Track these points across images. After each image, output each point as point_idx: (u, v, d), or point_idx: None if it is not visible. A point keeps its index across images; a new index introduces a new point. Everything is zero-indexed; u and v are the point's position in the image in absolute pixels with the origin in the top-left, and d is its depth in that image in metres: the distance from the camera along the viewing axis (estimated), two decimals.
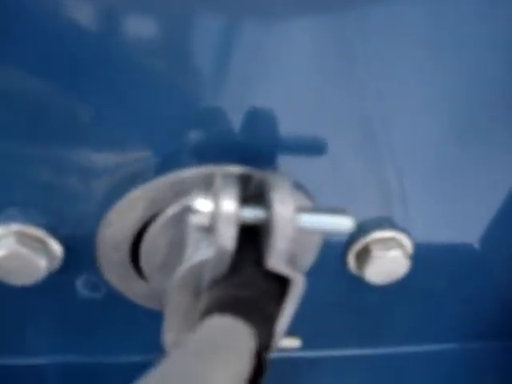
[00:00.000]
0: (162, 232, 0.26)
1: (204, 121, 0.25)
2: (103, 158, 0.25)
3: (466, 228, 0.33)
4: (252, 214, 0.22)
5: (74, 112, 0.24)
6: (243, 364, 0.21)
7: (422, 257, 0.31)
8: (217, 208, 0.22)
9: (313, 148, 0.26)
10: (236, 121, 0.25)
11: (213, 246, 0.22)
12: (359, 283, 0.32)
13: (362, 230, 0.29)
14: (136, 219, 0.26)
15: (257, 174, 0.25)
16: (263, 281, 0.23)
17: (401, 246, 0.28)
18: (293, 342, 0.30)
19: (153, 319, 0.31)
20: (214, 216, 0.22)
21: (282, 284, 0.24)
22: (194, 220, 0.22)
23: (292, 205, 0.22)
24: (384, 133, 0.27)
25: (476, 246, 0.33)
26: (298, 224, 0.23)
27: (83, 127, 0.24)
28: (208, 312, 0.22)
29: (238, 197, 0.22)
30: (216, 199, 0.22)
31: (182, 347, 0.21)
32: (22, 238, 0.25)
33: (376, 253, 0.28)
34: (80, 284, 0.30)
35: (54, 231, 0.26)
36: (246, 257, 0.23)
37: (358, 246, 0.29)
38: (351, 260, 0.30)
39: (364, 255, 0.29)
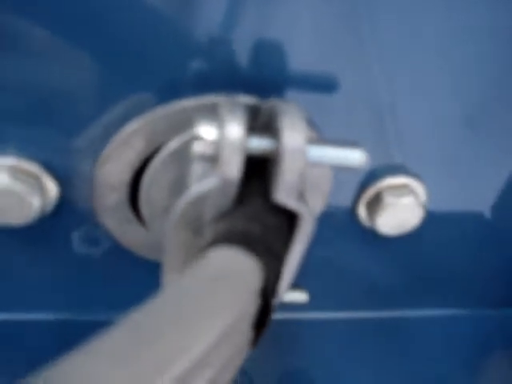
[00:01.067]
0: (163, 170, 0.25)
1: (209, 50, 0.23)
2: (101, 88, 0.24)
3: (478, 193, 0.32)
4: (259, 143, 0.21)
5: (71, 38, 0.22)
6: (248, 300, 0.20)
7: (433, 215, 0.30)
8: (222, 134, 0.20)
9: (323, 84, 0.25)
10: (242, 51, 0.24)
11: (215, 175, 0.21)
12: (368, 241, 0.30)
13: (373, 176, 0.27)
14: (134, 155, 0.24)
15: (265, 104, 0.23)
16: (271, 216, 0.22)
17: (414, 193, 0.27)
18: (300, 296, 0.29)
19: (149, 273, 0.29)
20: (219, 144, 0.20)
21: (290, 221, 0.22)
22: (198, 148, 0.21)
23: (302, 133, 0.20)
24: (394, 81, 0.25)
25: (487, 211, 0.32)
26: (308, 156, 0.21)
27: (81, 54, 0.23)
28: (212, 244, 0.21)
29: (245, 124, 0.20)
30: (221, 125, 0.20)
31: (184, 276, 0.19)
32: (15, 173, 0.24)
33: (388, 200, 0.27)
34: (74, 230, 0.28)
35: (49, 167, 0.25)
36: (253, 190, 0.22)
37: (369, 194, 0.27)
38: (362, 210, 0.28)
39: (375, 203, 0.27)
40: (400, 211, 0.27)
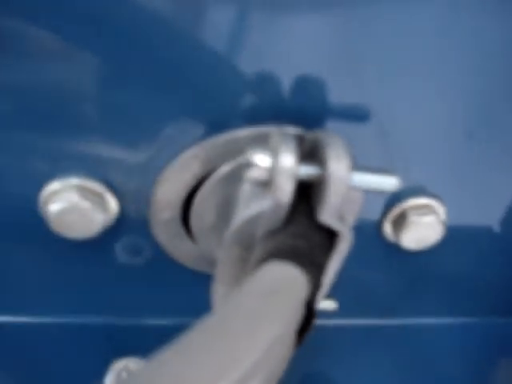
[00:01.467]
0: (213, 191, 0.27)
1: (257, 85, 0.26)
2: (161, 116, 0.27)
3: (489, 206, 0.35)
4: (308, 170, 0.24)
5: (133, 71, 0.25)
6: (296, 311, 0.23)
7: (451, 230, 0.32)
8: (276, 163, 0.23)
9: (357, 115, 0.28)
10: (286, 86, 0.26)
11: (269, 199, 0.24)
12: (391, 254, 0.33)
13: (397, 197, 0.30)
14: (190, 178, 0.27)
15: (309, 134, 0.26)
16: (315, 234, 0.25)
17: (435, 212, 0.30)
18: (330, 305, 0.32)
19: (192, 284, 0.32)
20: (273, 170, 0.23)
21: (330, 238, 0.25)
22: (253, 174, 0.24)
23: (346, 163, 0.23)
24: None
25: (496, 224, 0.35)
26: (349, 182, 0.24)
27: (144, 85, 0.26)
28: (264, 260, 0.24)
29: (296, 153, 0.23)
30: (275, 154, 0.23)
31: (240, 289, 0.22)
32: (82, 191, 0.27)
33: (412, 218, 0.30)
34: (126, 244, 0.31)
35: (111, 186, 0.27)
36: (299, 210, 0.25)
37: (394, 213, 0.30)
38: (387, 227, 0.31)
39: (400, 221, 0.30)
40: (422, 229, 0.30)
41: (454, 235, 0.33)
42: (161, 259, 0.31)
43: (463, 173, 0.30)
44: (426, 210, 0.30)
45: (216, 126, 0.27)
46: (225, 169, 0.27)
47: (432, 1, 0.25)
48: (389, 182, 0.25)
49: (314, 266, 0.24)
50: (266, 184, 0.24)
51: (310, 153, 0.25)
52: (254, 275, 0.23)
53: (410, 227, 0.30)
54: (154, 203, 0.28)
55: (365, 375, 0.39)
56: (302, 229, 0.25)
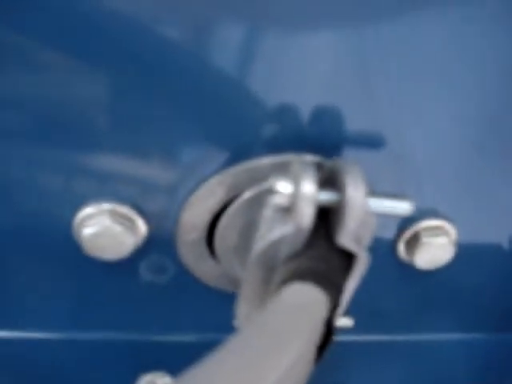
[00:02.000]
0: (237, 215, 0.29)
1: (275, 116, 0.28)
2: (186, 150, 0.28)
3: (498, 224, 0.36)
4: (327, 196, 0.25)
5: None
6: (317, 329, 0.24)
7: (462, 248, 0.34)
8: (297, 189, 0.25)
9: (372, 141, 0.29)
10: (302, 115, 0.28)
11: (291, 224, 0.25)
12: (404, 273, 0.35)
13: (411, 219, 0.32)
14: (214, 203, 0.29)
15: (327, 162, 0.28)
16: (333, 256, 0.26)
17: (447, 233, 0.31)
18: (347, 322, 0.33)
19: (216, 302, 0.34)
20: (294, 197, 0.25)
21: (348, 259, 0.27)
22: (275, 200, 0.25)
23: (363, 189, 0.25)
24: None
25: (505, 241, 0.36)
26: (366, 207, 0.26)
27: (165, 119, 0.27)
28: (286, 281, 0.25)
29: (317, 181, 0.25)
30: (297, 182, 0.25)
31: (264, 309, 0.24)
32: (113, 215, 0.28)
33: (425, 239, 0.31)
34: (152, 264, 0.33)
35: (141, 210, 0.29)
36: (319, 234, 0.26)
37: (407, 234, 0.32)
38: (401, 247, 0.32)
39: (413, 242, 0.32)
40: (435, 249, 0.31)
41: (464, 253, 0.34)
42: (185, 278, 0.33)
43: (473, 193, 0.32)
44: (438, 231, 0.31)
45: (239, 153, 0.28)
46: (248, 194, 0.28)
47: (442, 25, 0.27)
48: (403, 207, 0.26)
49: (333, 287, 0.25)
50: (287, 210, 0.26)
51: (329, 179, 0.27)
52: (278, 295, 0.25)
53: (422, 248, 0.31)
54: (180, 226, 0.30)
55: None
56: (321, 252, 0.26)
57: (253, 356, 0.21)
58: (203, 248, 0.31)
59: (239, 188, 0.29)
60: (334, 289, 0.26)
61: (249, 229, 0.29)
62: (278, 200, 0.25)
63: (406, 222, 0.32)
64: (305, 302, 0.24)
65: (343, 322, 0.34)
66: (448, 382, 0.42)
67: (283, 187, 0.25)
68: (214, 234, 0.30)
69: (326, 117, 0.28)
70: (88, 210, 0.28)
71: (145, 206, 0.29)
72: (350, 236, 0.26)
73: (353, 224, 0.25)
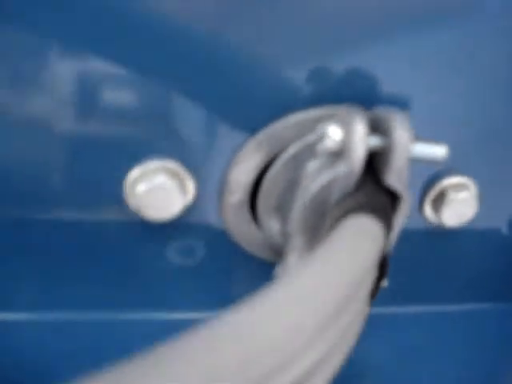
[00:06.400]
0: (281, 171, 0.31)
1: (311, 75, 0.30)
2: (232, 107, 0.30)
3: None
4: (376, 140, 0.27)
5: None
6: (379, 254, 0.26)
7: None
8: (350, 133, 0.27)
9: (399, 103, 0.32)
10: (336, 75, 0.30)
11: (343, 166, 0.27)
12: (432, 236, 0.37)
13: (435, 177, 0.34)
14: (260, 160, 0.31)
15: (369, 112, 0.30)
16: (381, 196, 0.28)
17: (468, 188, 0.34)
18: (382, 282, 0.35)
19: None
20: (347, 139, 0.27)
21: (393, 202, 0.29)
22: (328, 145, 0.27)
23: (408, 132, 0.27)
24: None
25: None
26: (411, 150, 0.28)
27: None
28: (340, 219, 0.27)
29: (367, 125, 0.27)
30: (348, 126, 0.27)
31: (327, 237, 0.25)
32: (166, 173, 0.29)
33: (451, 196, 0.33)
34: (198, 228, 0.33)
35: (190, 169, 0.30)
36: (365, 178, 0.28)
37: (433, 193, 0.34)
38: (428, 207, 0.35)
39: (440, 200, 0.34)
40: (460, 205, 0.34)
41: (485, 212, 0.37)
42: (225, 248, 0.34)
43: (492, 152, 0.35)
44: (460, 187, 0.34)
45: (282, 110, 0.30)
46: (292, 149, 0.30)
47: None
48: (441, 151, 0.29)
49: (386, 220, 0.27)
50: (336, 155, 0.28)
51: (372, 127, 0.29)
52: (336, 229, 0.26)
53: (449, 204, 0.33)
54: (226, 185, 0.31)
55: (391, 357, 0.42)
56: (369, 193, 0.28)
57: (317, 281, 0.22)
58: (246, 211, 0.32)
59: (284, 143, 0.30)
60: (387, 222, 0.27)
61: (291, 188, 0.31)
62: (329, 144, 0.27)
63: (430, 181, 0.34)
64: (365, 229, 0.26)
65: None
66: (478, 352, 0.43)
67: (334, 132, 0.27)
68: (257, 196, 0.32)
69: (359, 77, 0.31)
70: (141, 169, 0.29)
71: (194, 165, 0.30)
72: (396, 177, 0.28)
73: (399, 165, 0.27)
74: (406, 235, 0.34)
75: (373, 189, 0.28)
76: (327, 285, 0.21)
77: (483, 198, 0.35)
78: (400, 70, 0.31)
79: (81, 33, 0.27)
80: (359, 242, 0.25)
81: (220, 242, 0.34)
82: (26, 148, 0.29)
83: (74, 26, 0.27)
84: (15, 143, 0.29)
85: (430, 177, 0.34)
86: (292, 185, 0.31)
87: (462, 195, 0.33)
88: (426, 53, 0.31)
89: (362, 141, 0.27)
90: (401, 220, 0.29)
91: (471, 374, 0.43)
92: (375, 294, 0.28)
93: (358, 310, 0.25)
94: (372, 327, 0.40)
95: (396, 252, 0.32)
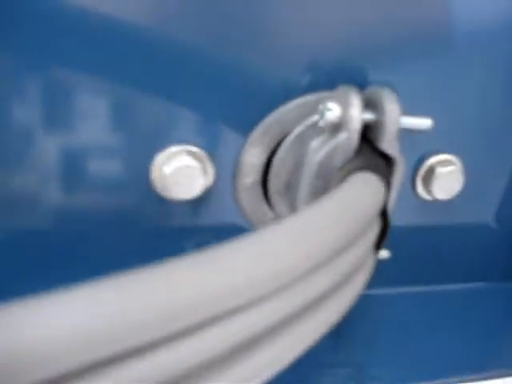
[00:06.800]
0: (288, 151, 0.35)
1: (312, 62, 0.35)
2: (242, 98, 0.35)
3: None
4: (369, 115, 0.32)
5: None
6: (381, 203, 0.30)
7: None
8: (348, 107, 0.31)
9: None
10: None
11: (343, 134, 0.31)
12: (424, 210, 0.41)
13: (424, 157, 0.39)
14: (270, 141, 0.35)
15: (363, 92, 0.34)
16: (379, 160, 0.32)
17: (455, 164, 0.38)
18: (383, 254, 0.38)
19: None
20: (344, 111, 0.31)
21: (388, 166, 0.33)
22: (329, 118, 0.31)
23: (398, 107, 0.32)
24: None
25: None
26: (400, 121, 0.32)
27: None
28: (346, 176, 0.31)
29: (362, 102, 0.31)
30: (345, 102, 0.31)
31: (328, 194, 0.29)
32: (189, 157, 0.34)
33: (439, 170, 0.38)
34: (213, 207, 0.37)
35: (210, 154, 0.34)
36: (363, 148, 0.32)
37: (423, 170, 0.38)
38: (419, 184, 0.39)
39: (429, 175, 0.38)
40: (448, 178, 0.38)
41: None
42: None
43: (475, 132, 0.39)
44: (447, 163, 0.38)
45: (288, 95, 0.35)
46: (297, 130, 0.34)
47: None
48: (426, 123, 0.33)
49: (385, 178, 0.31)
50: (336, 129, 0.32)
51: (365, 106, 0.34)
52: (342, 183, 0.30)
53: (437, 179, 0.38)
54: (240, 167, 0.35)
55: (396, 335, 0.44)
56: (369, 156, 0.32)
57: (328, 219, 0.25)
58: (258, 191, 0.36)
59: (289, 125, 0.35)
60: (386, 181, 0.31)
61: (298, 167, 0.35)
62: (330, 117, 0.31)
63: (419, 161, 0.39)
64: (367, 181, 0.30)
65: (381, 254, 0.39)
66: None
67: (334, 107, 0.31)
68: (268, 176, 0.36)
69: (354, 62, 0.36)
70: (166, 153, 0.33)
71: (212, 149, 0.34)
72: (389, 144, 0.32)
73: (392, 133, 0.31)
74: (402, 214, 0.38)
75: (370, 155, 0.32)
76: (333, 220, 0.25)
77: (467, 174, 0.39)
78: (386, 58, 0.36)
79: None
80: (362, 188, 0.29)
81: (234, 221, 0.37)
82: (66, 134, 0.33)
83: None
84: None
85: (420, 157, 0.39)
86: (299, 165, 0.35)
87: (448, 169, 0.38)
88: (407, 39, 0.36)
89: (358, 113, 0.31)
90: (397, 181, 0.33)
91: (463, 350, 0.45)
92: (380, 245, 0.32)
93: (363, 254, 0.29)
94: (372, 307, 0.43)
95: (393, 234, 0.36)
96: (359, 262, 0.29)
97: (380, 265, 0.38)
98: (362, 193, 0.29)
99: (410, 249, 0.43)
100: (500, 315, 0.46)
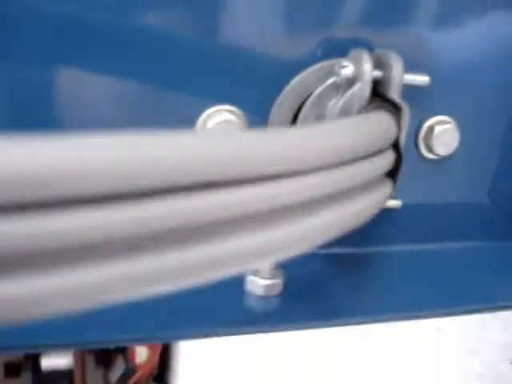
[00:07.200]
0: (310, 109, 0.41)
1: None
2: (269, 65, 0.41)
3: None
4: (378, 73, 0.39)
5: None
6: (394, 135, 0.36)
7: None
8: (360, 65, 0.38)
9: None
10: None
11: (358, 84, 0.38)
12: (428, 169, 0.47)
13: (423, 120, 0.45)
14: (295, 101, 0.41)
15: (372, 54, 0.41)
16: (389, 107, 0.39)
17: (451, 123, 0.45)
18: (396, 203, 0.44)
19: None
20: (358, 70, 0.38)
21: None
22: (344, 73, 0.38)
23: (401, 65, 0.39)
24: None
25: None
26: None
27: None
28: None
29: (372, 61, 0.38)
30: (359, 61, 0.38)
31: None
32: (229, 113, 0.40)
33: (438, 128, 0.44)
34: None
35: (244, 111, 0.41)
36: (374, 100, 0.39)
37: (423, 130, 0.45)
38: (421, 142, 0.45)
39: (430, 134, 0.45)
40: (446, 135, 0.44)
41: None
42: None
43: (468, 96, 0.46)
44: (444, 122, 0.45)
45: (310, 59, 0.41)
46: (318, 90, 0.41)
47: None
48: (424, 79, 0.40)
49: (396, 118, 0.38)
50: (351, 85, 0.39)
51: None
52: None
53: (437, 136, 0.44)
54: (271, 125, 0.42)
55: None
56: (380, 105, 0.39)
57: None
58: None
59: (311, 87, 0.41)
60: (396, 121, 0.38)
61: (320, 120, 0.41)
62: (345, 73, 0.38)
63: (420, 123, 0.45)
64: (382, 115, 0.36)
65: (392, 203, 0.44)
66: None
67: (348, 64, 0.38)
68: None
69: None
70: (209, 110, 0.40)
71: (247, 109, 0.41)
72: (396, 95, 0.39)
73: (398, 84, 0.38)
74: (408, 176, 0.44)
75: (381, 105, 0.39)
76: (351, 132, 0.32)
77: (462, 133, 0.46)
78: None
79: None
80: (378, 117, 0.35)
81: None
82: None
83: None
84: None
85: (421, 121, 0.45)
86: (320, 119, 0.41)
87: (445, 127, 0.44)
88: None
89: (369, 67, 0.38)
90: (405, 124, 0.39)
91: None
92: (396, 174, 0.38)
93: (382, 169, 0.35)
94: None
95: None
96: (381, 173, 0.35)
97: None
98: (379, 119, 0.35)
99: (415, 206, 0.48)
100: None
